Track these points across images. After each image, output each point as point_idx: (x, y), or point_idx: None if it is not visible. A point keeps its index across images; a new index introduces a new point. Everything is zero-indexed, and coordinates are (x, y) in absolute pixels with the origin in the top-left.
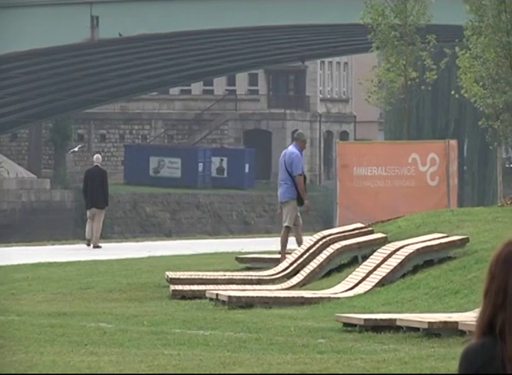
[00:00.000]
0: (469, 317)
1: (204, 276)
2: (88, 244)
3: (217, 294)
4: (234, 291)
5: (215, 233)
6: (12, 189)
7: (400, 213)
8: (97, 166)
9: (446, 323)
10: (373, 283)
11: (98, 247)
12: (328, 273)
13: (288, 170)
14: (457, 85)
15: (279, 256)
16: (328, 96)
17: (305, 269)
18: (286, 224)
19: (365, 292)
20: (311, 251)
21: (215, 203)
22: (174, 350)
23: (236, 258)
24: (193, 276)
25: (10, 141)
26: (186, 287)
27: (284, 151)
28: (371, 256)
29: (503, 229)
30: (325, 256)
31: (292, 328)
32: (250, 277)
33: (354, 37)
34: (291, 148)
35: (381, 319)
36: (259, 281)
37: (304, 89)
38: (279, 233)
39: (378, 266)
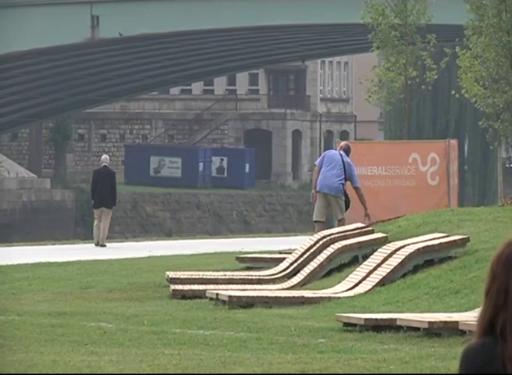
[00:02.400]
0: (469, 317)
1: (205, 276)
2: (97, 244)
3: (217, 294)
4: (234, 290)
5: (215, 232)
6: (13, 189)
7: (400, 213)
8: (105, 166)
9: (446, 322)
10: (373, 283)
11: (103, 246)
12: (329, 273)
13: (346, 171)
14: (458, 85)
15: (279, 256)
16: (329, 96)
17: (305, 268)
18: (340, 217)
19: (366, 292)
20: (311, 250)
21: (215, 203)
22: (174, 349)
23: (237, 258)
24: (193, 276)
25: (10, 141)
26: (187, 287)
27: (337, 152)
28: (372, 256)
29: (503, 229)
30: (325, 256)
31: (292, 328)
32: (250, 277)
33: (355, 37)
34: (347, 157)
35: (381, 319)
36: (259, 281)
37: (304, 89)
38: (279, 232)
39: (379, 265)
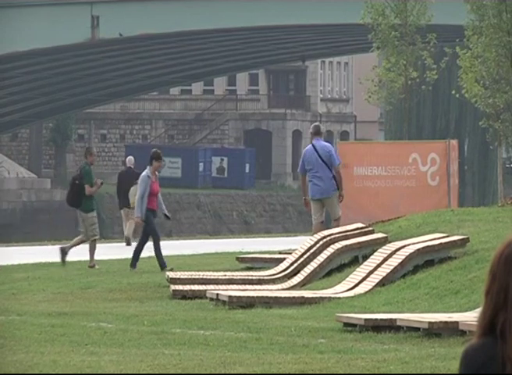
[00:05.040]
0: (469, 317)
1: (205, 276)
2: (128, 244)
3: (217, 294)
4: (235, 290)
5: (215, 233)
6: (13, 189)
7: (400, 213)
8: (130, 167)
9: (446, 322)
10: (373, 283)
11: (129, 244)
12: (329, 273)
13: (327, 164)
14: (458, 85)
15: (279, 256)
16: (329, 96)
17: (306, 269)
18: (337, 216)
19: (366, 292)
20: (311, 251)
21: (215, 203)
22: (174, 350)
23: (237, 258)
24: (193, 276)
25: (10, 141)
26: (187, 287)
27: (311, 147)
28: (372, 256)
29: (503, 229)
30: (325, 256)
31: (292, 328)
32: (250, 277)
33: (355, 37)
34: (320, 143)
35: (381, 319)
36: (260, 281)
37: (304, 89)
38: (279, 232)
39: (379, 265)
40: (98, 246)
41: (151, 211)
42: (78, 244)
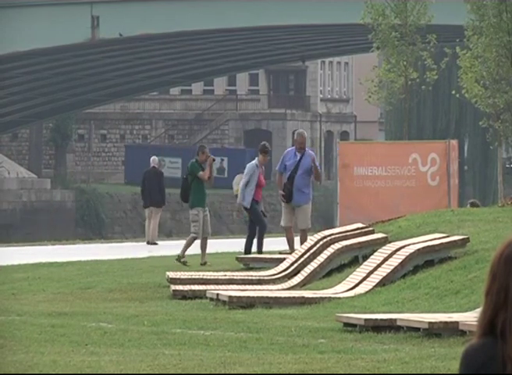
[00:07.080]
0: (469, 317)
1: (205, 276)
2: (148, 243)
3: (217, 294)
4: (235, 291)
5: (215, 233)
6: (13, 189)
7: (400, 213)
8: (154, 167)
9: (446, 323)
10: (374, 283)
11: (155, 243)
12: (329, 273)
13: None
14: (458, 85)
15: (279, 256)
16: (329, 96)
17: (306, 269)
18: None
19: (366, 292)
20: (311, 251)
21: (215, 203)
22: (174, 350)
23: (237, 258)
24: (193, 276)
25: (10, 141)
26: (187, 287)
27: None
28: (372, 256)
29: (503, 229)
30: (325, 256)
31: (292, 328)
32: (250, 277)
33: (355, 37)
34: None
35: (381, 319)
36: (260, 281)
37: (304, 89)
38: (279, 233)
39: (379, 265)
40: (98, 246)
41: (256, 202)
42: (203, 245)
